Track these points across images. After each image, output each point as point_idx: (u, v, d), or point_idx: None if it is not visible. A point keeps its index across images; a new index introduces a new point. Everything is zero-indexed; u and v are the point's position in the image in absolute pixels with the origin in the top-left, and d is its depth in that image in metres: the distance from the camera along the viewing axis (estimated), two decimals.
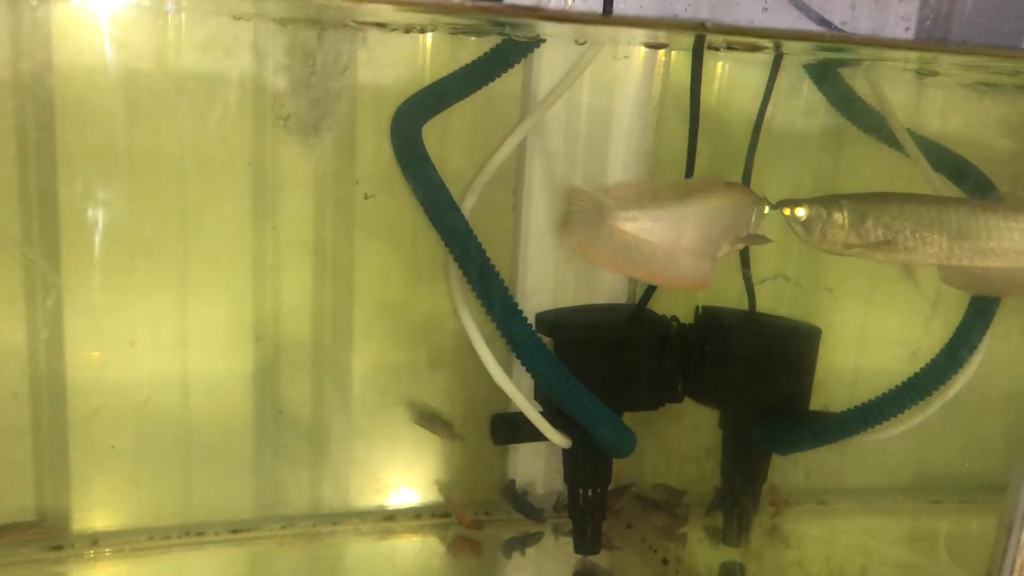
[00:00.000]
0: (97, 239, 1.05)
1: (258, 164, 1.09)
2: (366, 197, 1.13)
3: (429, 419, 1.19)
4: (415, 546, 1.18)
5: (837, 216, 0.93)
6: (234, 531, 1.15)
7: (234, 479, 1.16)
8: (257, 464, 1.16)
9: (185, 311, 1.10)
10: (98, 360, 1.08)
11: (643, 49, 1.17)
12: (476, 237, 0.95)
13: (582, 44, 1.05)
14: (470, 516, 1.21)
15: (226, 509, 1.15)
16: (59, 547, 1.08)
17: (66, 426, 1.08)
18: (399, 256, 1.16)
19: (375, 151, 1.11)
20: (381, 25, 1.05)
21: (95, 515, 1.11)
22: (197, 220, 1.08)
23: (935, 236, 0.92)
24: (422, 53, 1.11)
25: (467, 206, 1.02)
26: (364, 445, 1.21)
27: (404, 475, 1.23)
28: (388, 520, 1.21)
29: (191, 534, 1.14)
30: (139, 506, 1.12)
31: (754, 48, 0.98)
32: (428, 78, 1.06)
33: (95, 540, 1.10)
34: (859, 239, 0.93)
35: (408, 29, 1.07)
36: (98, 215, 1.04)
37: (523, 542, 1.20)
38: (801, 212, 0.94)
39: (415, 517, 1.22)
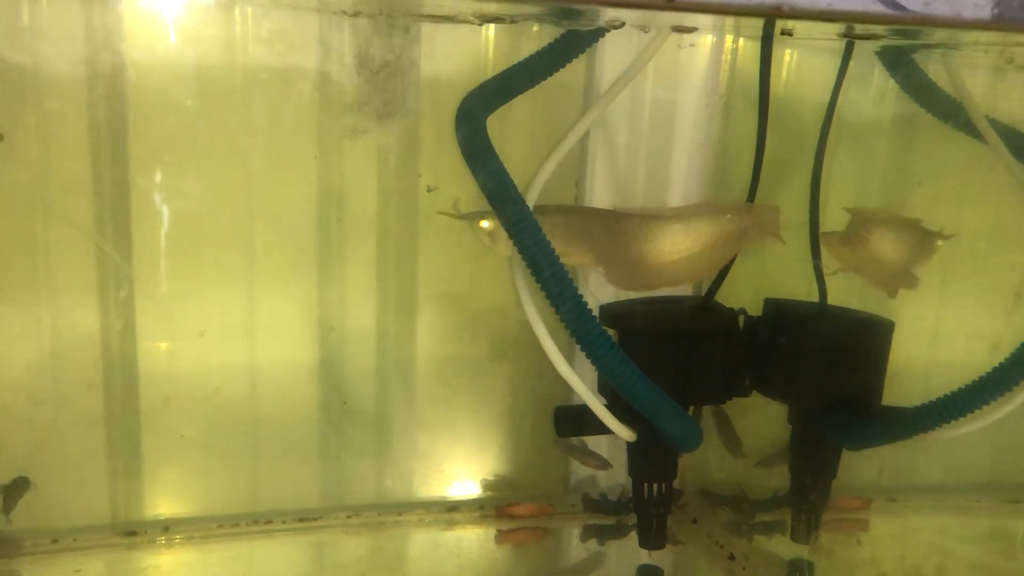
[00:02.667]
0: (168, 231, 1.07)
1: (324, 157, 1.10)
2: (429, 189, 1.14)
3: (575, 449, 1.19)
4: (479, 537, 1.18)
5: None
6: (300, 519, 1.17)
7: (300, 468, 1.17)
8: (323, 454, 1.18)
9: (253, 302, 1.11)
10: (169, 350, 1.10)
11: (709, 37, 1.15)
12: (539, 227, 0.95)
13: (647, 32, 1.04)
14: (532, 506, 1.21)
15: (293, 498, 1.17)
16: (132, 533, 1.11)
17: (138, 415, 1.11)
18: (462, 248, 1.16)
19: (438, 143, 1.12)
20: (446, 17, 1.05)
21: (166, 502, 1.13)
22: (264, 212, 1.09)
23: (626, 242, 1.00)
24: (485, 45, 1.11)
25: (530, 198, 1.02)
26: (428, 436, 1.21)
27: (467, 467, 1.23)
28: (451, 511, 1.22)
29: (259, 522, 1.15)
30: (208, 494, 1.14)
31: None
32: (491, 70, 1.06)
33: (166, 527, 1.12)
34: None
35: (471, 20, 1.07)
36: (169, 207, 1.06)
37: (602, 532, 1.20)
38: (486, 224, 0.99)
39: (478, 508, 1.22)
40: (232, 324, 1.11)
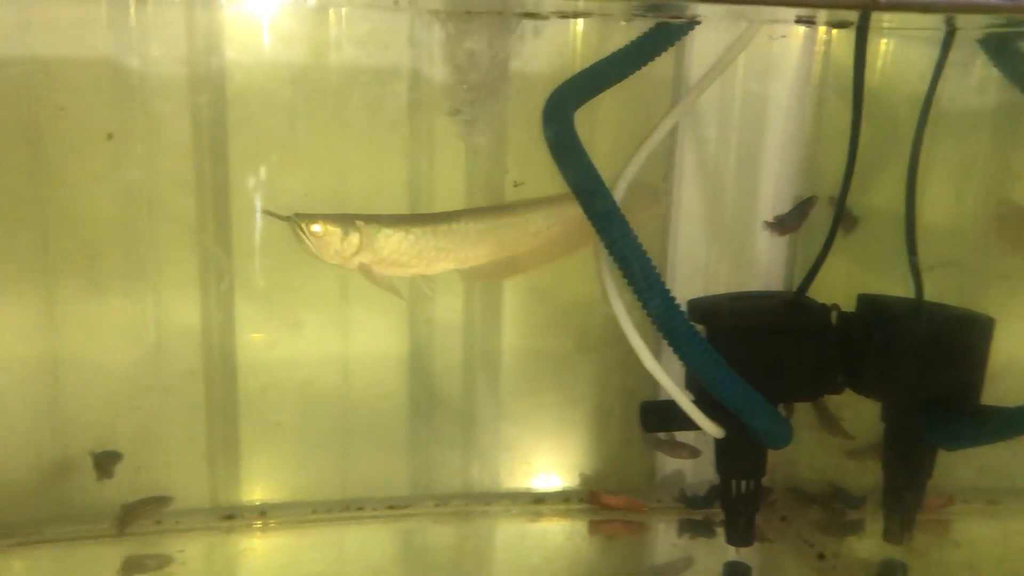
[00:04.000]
0: (265, 227, 1.10)
1: (414, 154, 1.12)
2: (516, 185, 1.14)
3: (663, 444, 1.20)
4: (564, 529, 1.19)
5: (353, 237, 0.97)
6: (390, 507, 1.19)
7: (390, 457, 1.20)
8: (412, 444, 1.20)
9: (346, 295, 1.14)
10: (266, 341, 1.14)
11: (802, 28, 1.13)
12: (627, 223, 0.95)
13: (738, 25, 1.03)
14: (626, 499, 1.22)
15: (383, 486, 1.19)
16: (231, 516, 1.15)
17: (236, 403, 1.15)
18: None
19: (524, 139, 1.12)
20: (533, 15, 1.06)
21: (262, 488, 1.17)
22: (356, 208, 1.12)
23: (450, 248, 1.01)
24: (572, 40, 1.11)
25: (618, 192, 1.02)
26: (514, 429, 1.22)
27: (553, 460, 1.24)
28: (537, 503, 1.23)
29: (350, 508, 1.18)
30: (303, 480, 1.18)
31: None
32: (579, 65, 1.06)
33: (263, 511, 1.16)
34: (373, 258, 0.98)
35: (561, 16, 1.07)
36: (266, 203, 1.09)
37: (690, 528, 1.20)
38: (316, 229, 0.96)
39: (564, 501, 1.23)
40: (326, 317, 1.14)
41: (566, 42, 1.11)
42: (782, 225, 1.17)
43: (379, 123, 1.10)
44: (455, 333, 1.19)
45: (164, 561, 1.07)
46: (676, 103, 1.09)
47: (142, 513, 1.10)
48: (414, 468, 1.21)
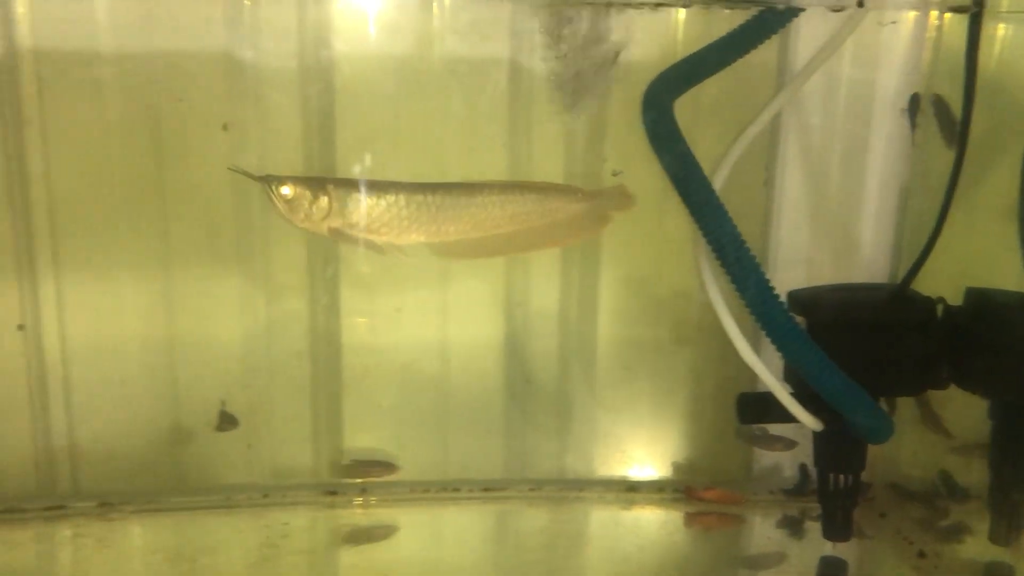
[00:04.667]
0: None
1: (513, 143, 1.13)
2: (614, 174, 1.15)
3: (758, 439, 1.19)
4: (658, 518, 1.19)
5: (324, 200, 0.94)
6: (485, 489, 1.22)
7: (486, 441, 1.22)
8: (508, 429, 1.22)
9: (445, 282, 1.17)
10: (369, 325, 1.18)
11: (912, 13, 1.10)
12: (726, 212, 0.94)
13: (838, 11, 1.01)
14: (722, 492, 1.21)
15: (479, 468, 1.22)
16: (333, 492, 1.19)
17: (340, 384, 1.18)
18: (646, 231, 1.17)
19: (623, 128, 1.12)
20: (635, 5, 1.06)
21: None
22: None
23: (423, 219, 0.98)
24: (674, 28, 1.11)
25: (718, 181, 1.01)
26: (609, 417, 1.23)
27: (647, 449, 1.24)
28: (631, 491, 1.23)
29: (447, 489, 1.21)
30: (402, 460, 1.21)
31: None
32: (680, 53, 1.06)
33: (364, 489, 1.20)
34: (344, 223, 0.96)
35: (660, 5, 1.07)
36: None
37: (786, 521, 1.19)
38: (286, 191, 0.93)
39: (658, 490, 1.23)
40: (426, 302, 1.17)
41: (668, 30, 1.11)
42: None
43: (479, 113, 1.12)
44: (551, 321, 1.20)
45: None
46: (779, 91, 1.08)
47: (367, 473, 1.18)
48: (509, 452, 1.23)
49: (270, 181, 0.95)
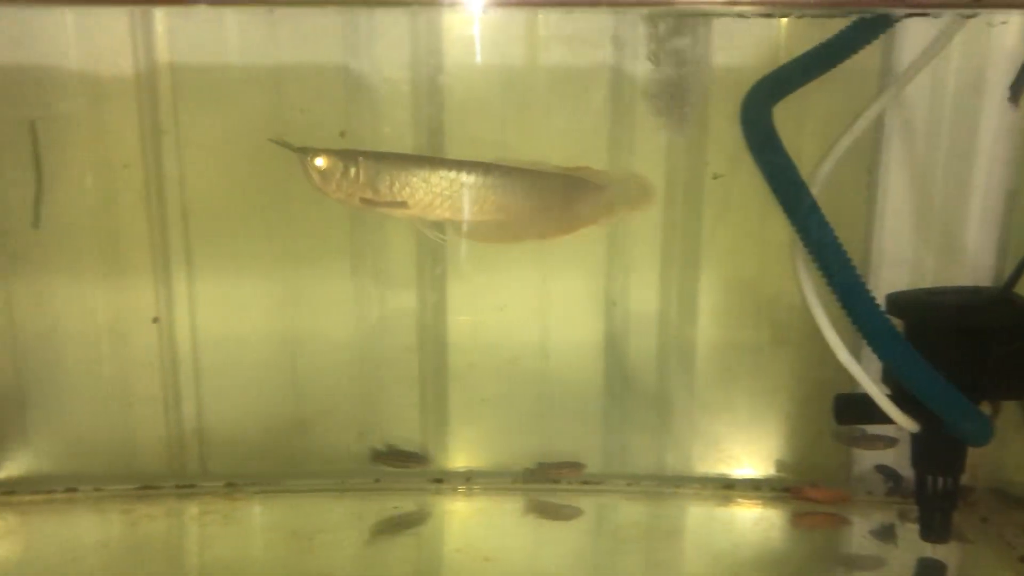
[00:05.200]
0: None
1: (615, 148, 1.15)
2: (715, 177, 1.17)
3: (856, 440, 1.20)
4: (754, 516, 1.20)
5: (353, 171, 0.96)
6: (584, 482, 1.24)
7: (585, 437, 1.24)
8: (606, 425, 1.24)
9: (546, 283, 1.20)
10: (473, 322, 1.21)
11: None
12: (823, 216, 0.95)
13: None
14: (828, 491, 1.22)
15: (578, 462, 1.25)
16: (439, 480, 1.24)
17: (447, 378, 1.23)
18: (746, 235, 1.18)
19: (725, 132, 1.13)
20: (738, 15, 1.08)
21: (468, 456, 1.25)
22: None
23: (447, 195, 0.98)
24: (776, 34, 1.11)
25: (818, 183, 1.02)
26: (706, 417, 1.24)
27: (745, 448, 1.25)
28: (727, 488, 1.24)
29: (547, 481, 1.24)
30: (504, 452, 1.24)
31: None
32: (782, 58, 1.06)
33: (468, 477, 1.24)
34: (375, 196, 0.97)
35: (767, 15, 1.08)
36: None
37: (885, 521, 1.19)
38: (320, 162, 0.96)
39: (754, 489, 1.24)
40: (528, 302, 1.20)
41: (770, 36, 1.12)
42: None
43: (583, 119, 1.15)
44: (650, 322, 1.22)
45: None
46: (880, 93, 1.08)
47: (556, 474, 1.22)
48: (607, 448, 1.25)
49: (306, 153, 0.98)
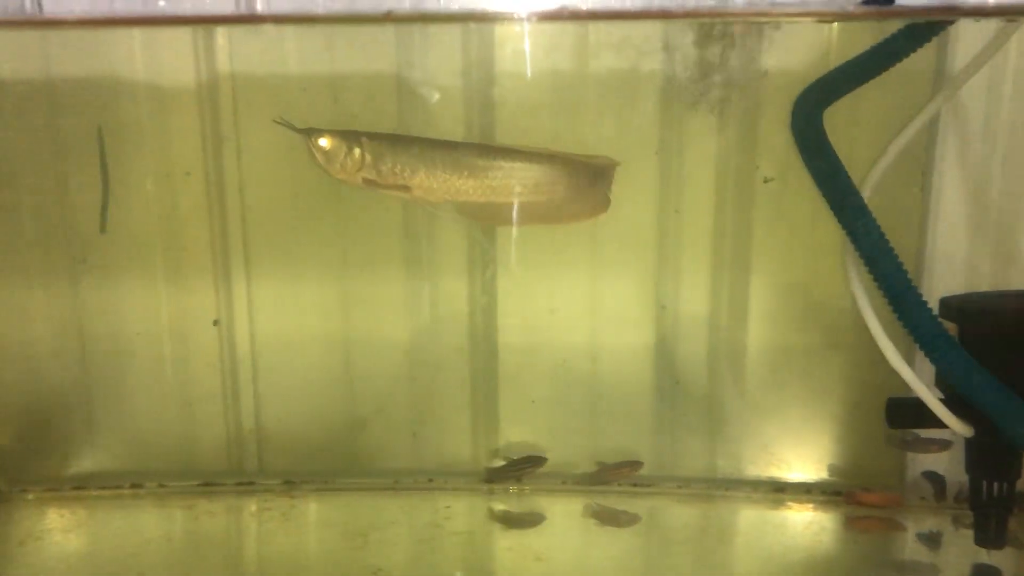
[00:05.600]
0: None
1: (664, 152, 1.16)
2: (766, 181, 1.17)
3: (908, 444, 1.19)
4: (805, 519, 1.20)
5: (357, 152, 0.97)
6: (634, 484, 1.25)
7: (635, 439, 1.25)
8: (656, 428, 1.25)
9: (596, 286, 1.21)
10: (523, 325, 1.23)
11: None
12: (874, 219, 0.95)
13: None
14: (886, 494, 1.21)
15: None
16: (490, 480, 1.25)
17: (497, 379, 1.24)
18: (797, 238, 1.18)
19: (776, 136, 1.13)
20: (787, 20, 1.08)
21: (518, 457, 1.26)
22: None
23: (447, 177, 1.00)
24: (827, 38, 1.11)
25: (870, 186, 1.02)
26: (757, 420, 1.24)
27: (796, 451, 1.24)
28: (778, 491, 1.24)
29: (597, 483, 1.25)
30: (554, 454, 1.25)
31: None
32: (833, 62, 1.07)
33: (518, 478, 1.25)
34: (377, 176, 0.99)
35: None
36: None
37: (943, 527, 1.18)
38: (324, 142, 0.97)
39: (805, 492, 1.24)
40: (578, 305, 1.21)
41: (820, 40, 1.11)
42: None
43: (632, 124, 1.16)
44: (701, 325, 1.22)
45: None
46: (934, 96, 1.07)
47: (617, 475, 1.24)
48: (658, 450, 1.25)
49: (310, 133, 1.00)
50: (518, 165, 1.04)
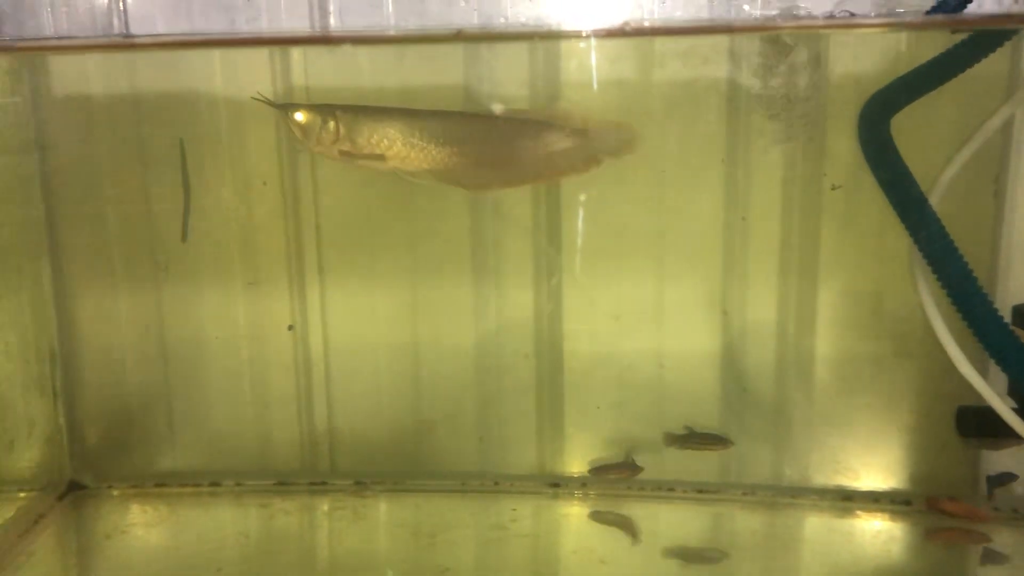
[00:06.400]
0: (591, 229, 1.20)
1: (731, 160, 1.16)
2: (833, 188, 1.16)
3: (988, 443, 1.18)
4: (873, 528, 1.18)
5: (332, 125, 0.98)
6: (699, 491, 1.25)
7: None
8: (722, 434, 1.24)
9: (662, 292, 1.21)
10: (589, 331, 1.24)
11: None
12: (942, 226, 0.94)
13: None
14: (969, 506, 1.19)
15: (694, 471, 1.25)
16: (556, 485, 1.27)
17: (562, 385, 1.25)
18: (865, 245, 1.17)
19: (843, 143, 1.13)
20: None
21: (584, 463, 1.27)
22: (674, 212, 1.19)
23: (424, 145, 1.00)
24: (896, 44, 1.10)
25: (940, 192, 1.01)
26: (825, 428, 1.23)
27: (864, 460, 1.23)
28: (846, 500, 1.23)
29: (662, 488, 1.25)
30: (620, 459, 1.25)
31: None
32: (902, 68, 1.06)
33: (583, 483, 1.26)
34: (353, 147, 1.00)
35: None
36: (592, 209, 1.20)
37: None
38: (300, 117, 0.98)
39: (874, 501, 1.22)
40: (643, 311, 1.22)
41: (889, 47, 1.11)
42: None
43: (698, 132, 1.16)
44: (767, 332, 1.22)
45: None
46: (1006, 100, 1.06)
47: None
48: (724, 457, 1.25)
49: (287, 109, 1.02)
50: (493, 129, 1.07)
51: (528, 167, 1.07)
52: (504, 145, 1.07)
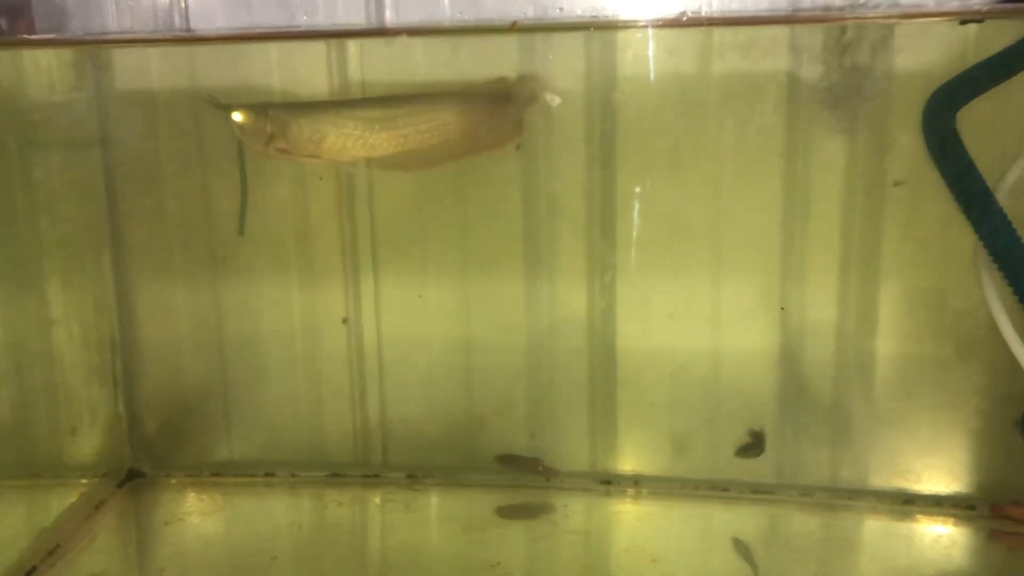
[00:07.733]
0: (646, 225, 1.19)
1: (790, 155, 1.15)
2: (895, 184, 1.14)
3: None
4: (934, 532, 1.16)
5: (264, 124, 0.99)
6: (755, 491, 1.24)
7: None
8: (779, 436, 1.23)
9: (718, 290, 1.20)
10: (642, 329, 1.23)
11: None
12: (1009, 223, 0.91)
13: None
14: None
15: (749, 471, 1.24)
16: (608, 482, 1.26)
17: (615, 382, 1.25)
18: (929, 243, 1.14)
19: (906, 139, 1.11)
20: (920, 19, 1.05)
21: (636, 460, 1.26)
22: (731, 207, 1.17)
23: (358, 134, 1.01)
24: (962, 39, 1.08)
25: (1006, 189, 0.98)
26: (884, 430, 1.21)
27: (925, 462, 1.21)
28: (906, 503, 1.20)
29: (716, 488, 1.24)
30: (672, 458, 1.25)
31: None
32: (968, 62, 1.03)
33: (636, 481, 1.26)
34: (288, 145, 1.00)
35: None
36: (647, 204, 1.19)
37: None
38: (237, 117, 0.99)
39: (935, 504, 1.20)
40: (698, 309, 1.21)
41: (956, 40, 1.08)
42: None
43: (757, 126, 1.15)
44: (827, 333, 1.20)
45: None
46: None
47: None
48: (780, 458, 1.24)
49: (227, 109, 1.03)
50: (421, 108, 1.06)
51: (463, 141, 1.08)
52: (434, 123, 1.07)
